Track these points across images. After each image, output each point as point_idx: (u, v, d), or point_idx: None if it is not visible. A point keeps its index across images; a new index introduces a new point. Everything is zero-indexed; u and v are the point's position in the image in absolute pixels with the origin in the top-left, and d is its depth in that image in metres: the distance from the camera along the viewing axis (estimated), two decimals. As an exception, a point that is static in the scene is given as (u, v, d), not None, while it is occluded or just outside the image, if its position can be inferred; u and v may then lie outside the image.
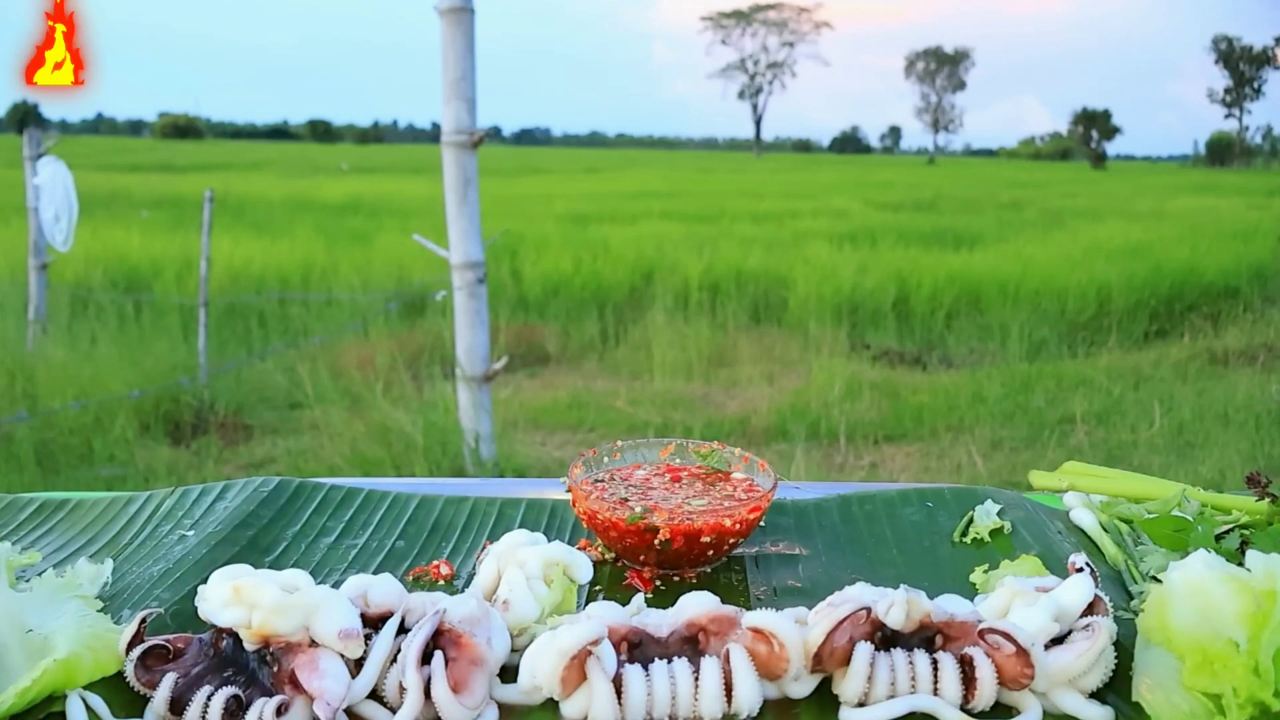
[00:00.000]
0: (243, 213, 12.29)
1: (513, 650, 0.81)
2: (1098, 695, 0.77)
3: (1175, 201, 18.08)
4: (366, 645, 0.76)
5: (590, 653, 0.74)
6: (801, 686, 0.78)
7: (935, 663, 0.77)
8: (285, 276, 8.47)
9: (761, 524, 1.10)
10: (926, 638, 0.78)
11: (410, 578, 1.00)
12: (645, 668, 0.76)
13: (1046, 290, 8.25)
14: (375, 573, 0.89)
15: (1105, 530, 1.07)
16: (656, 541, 0.98)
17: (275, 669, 0.74)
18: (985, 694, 0.75)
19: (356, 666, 0.75)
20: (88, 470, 4.41)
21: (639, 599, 0.87)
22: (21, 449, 4.42)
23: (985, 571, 0.98)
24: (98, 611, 0.82)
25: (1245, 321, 7.83)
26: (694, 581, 1.00)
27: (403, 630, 0.78)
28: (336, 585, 0.83)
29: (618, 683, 0.74)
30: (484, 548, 1.00)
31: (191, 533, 1.07)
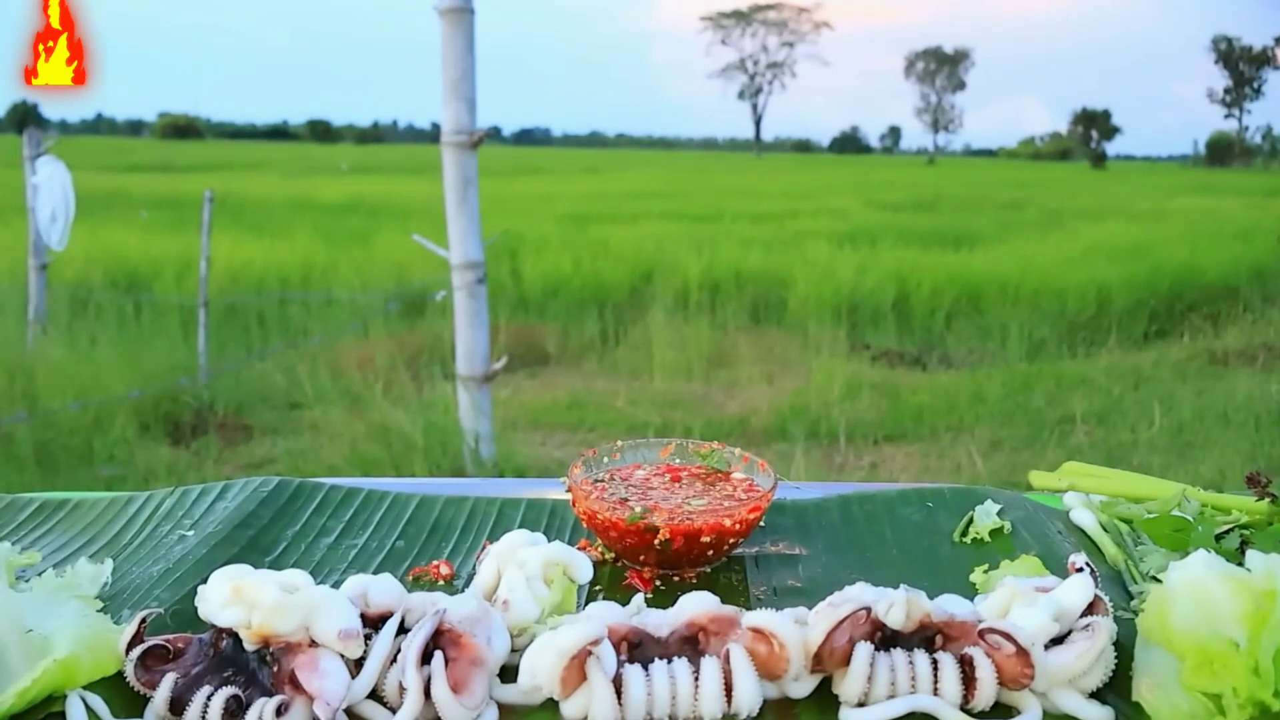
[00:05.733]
0: (243, 213, 12.29)
1: (513, 650, 0.81)
2: (1098, 695, 0.77)
3: (1175, 201, 18.09)
4: (366, 645, 0.76)
5: (590, 653, 0.74)
6: (801, 686, 0.78)
7: (935, 663, 0.77)
8: (285, 276, 8.47)
9: (761, 524, 1.10)
10: (926, 638, 0.78)
11: (410, 578, 1.00)
12: (645, 668, 0.76)
13: (1046, 290, 8.25)
14: (375, 573, 0.89)
15: (1105, 530, 1.07)
16: (656, 541, 0.98)
17: (275, 669, 0.74)
18: (985, 694, 0.75)
19: (356, 666, 0.75)
20: (88, 470, 4.42)
21: (639, 599, 0.87)
22: (21, 449, 4.42)
23: (985, 571, 0.98)
24: (98, 611, 0.82)
25: (1245, 321, 7.83)
26: (694, 581, 1.00)
27: (403, 630, 0.78)
28: (336, 585, 0.83)
29: (618, 683, 0.74)
30: (484, 548, 1.00)
31: (191, 533, 1.07)
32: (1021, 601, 0.82)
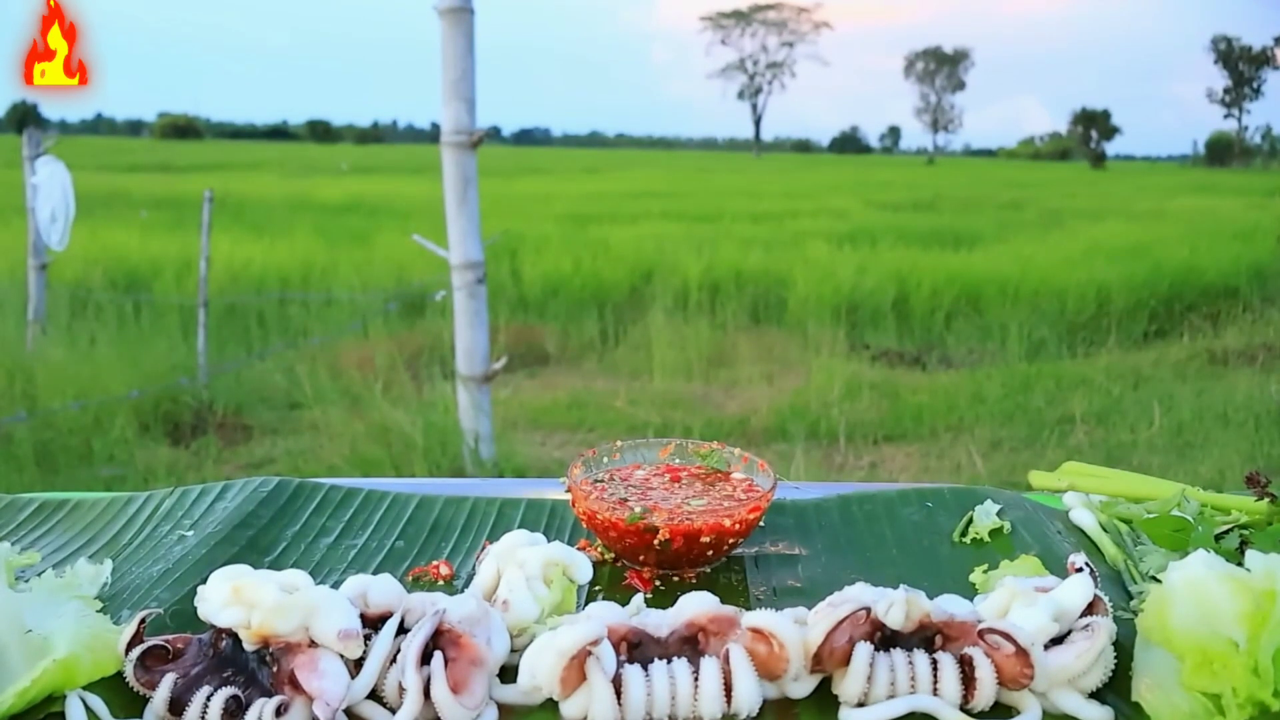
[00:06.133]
0: (242, 213, 12.29)
1: (513, 650, 0.81)
2: (1097, 695, 0.77)
3: (1175, 201, 18.08)
4: (366, 645, 0.76)
5: (590, 653, 0.74)
6: (801, 686, 0.78)
7: (935, 663, 0.77)
8: (285, 276, 8.47)
9: (761, 524, 1.10)
10: (926, 638, 0.78)
11: (410, 578, 1.00)
12: (645, 668, 0.76)
13: (1046, 290, 8.25)
14: (375, 573, 0.89)
15: (1105, 530, 1.07)
16: (656, 541, 0.98)
17: (275, 669, 0.74)
18: (985, 694, 0.75)
19: (356, 667, 0.75)
20: (87, 470, 4.41)
21: (639, 599, 0.87)
22: (21, 449, 4.42)
23: (985, 571, 0.98)
24: (97, 611, 0.82)
25: (1245, 321, 7.84)
26: (694, 581, 1.00)
27: (402, 630, 0.78)
28: (336, 585, 0.83)
29: (617, 683, 0.74)
30: (484, 548, 1.00)
31: (191, 533, 1.07)
32: (1021, 601, 0.82)
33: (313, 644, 0.75)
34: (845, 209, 15.86)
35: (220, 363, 5.99)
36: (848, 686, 0.76)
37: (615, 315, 7.67)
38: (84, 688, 0.74)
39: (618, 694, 0.74)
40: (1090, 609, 0.81)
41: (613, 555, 1.04)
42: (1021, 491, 1.23)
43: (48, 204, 5.34)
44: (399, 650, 0.76)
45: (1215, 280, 8.86)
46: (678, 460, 1.16)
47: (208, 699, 0.73)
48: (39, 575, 0.85)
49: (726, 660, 0.76)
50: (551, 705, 0.76)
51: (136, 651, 0.76)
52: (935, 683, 0.76)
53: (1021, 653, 0.75)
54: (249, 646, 0.75)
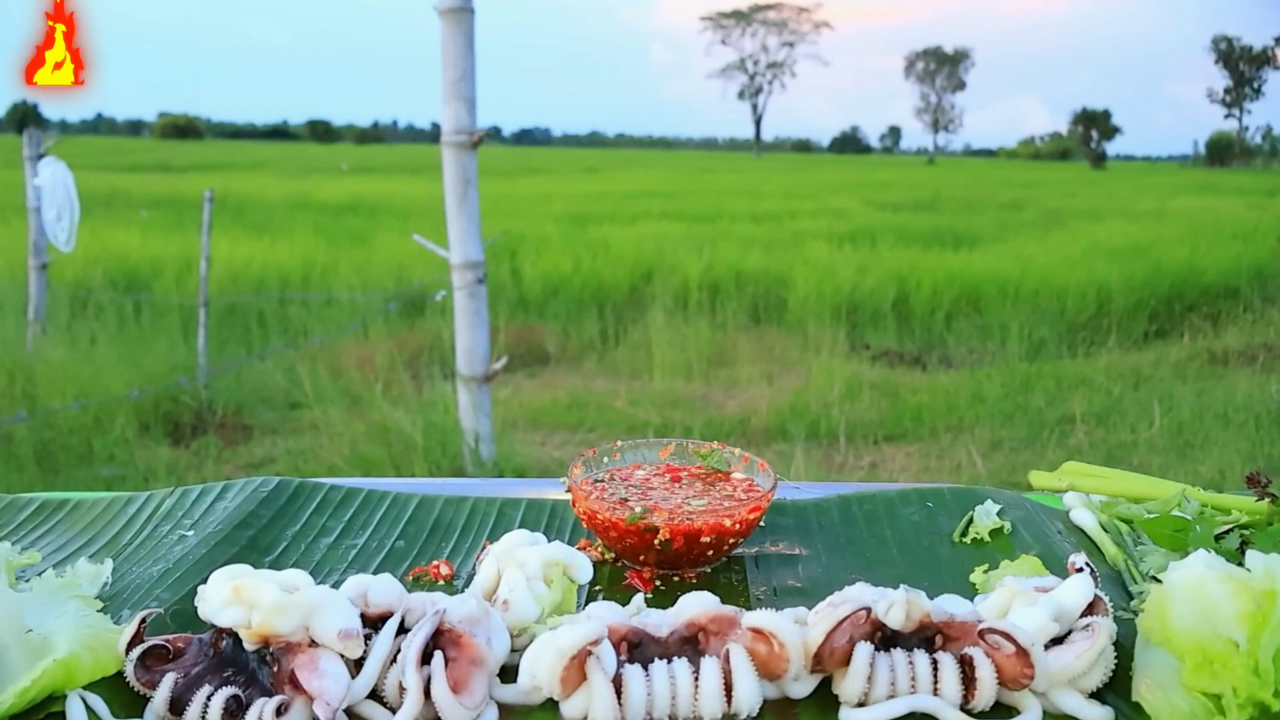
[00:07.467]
0: (242, 213, 12.29)
1: (513, 650, 0.81)
2: (1098, 695, 0.77)
3: (1175, 201, 18.08)
4: (366, 645, 0.76)
5: (590, 653, 0.74)
6: (801, 686, 0.78)
7: (935, 663, 0.77)
8: (285, 276, 8.47)
9: (761, 524, 1.10)
10: (926, 638, 0.78)
11: (410, 578, 1.00)
12: (645, 668, 0.76)
13: (1046, 290, 8.25)
14: (375, 573, 0.89)
15: (1105, 530, 1.07)
16: (656, 541, 0.98)
17: (275, 669, 0.74)
18: (985, 694, 0.75)
19: (356, 666, 0.75)
20: (88, 470, 4.41)
21: (639, 599, 0.87)
22: (21, 449, 4.42)
23: (985, 571, 0.98)
24: (98, 611, 0.82)
25: (1245, 321, 7.83)
26: (694, 581, 1.00)
27: (403, 630, 0.78)
28: (336, 585, 0.83)
29: (617, 683, 0.74)
30: (484, 548, 1.00)
31: (191, 533, 1.07)
32: (1021, 601, 0.82)
33: (313, 644, 0.75)
34: (845, 209, 15.86)
35: (220, 363, 5.98)
36: (848, 686, 0.76)
37: (615, 315, 7.67)
38: (84, 687, 0.74)
39: (618, 694, 0.74)
40: (1090, 609, 0.81)
41: (613, 555, 1.04)
42: (1021, 491, 1.23)
43: (53, 205, 5.34)
44: (399, 650, 0.76)
45: (1215, 280, 8.86)
46: (678, 460, 1.16)
47: (208, 699, 0.73)
48: (39, 575, 0.85)
49: (727, 660, 0.76)
50: (551, 705, 0.76)
51: (137, 651, 0.76)
52: (935, 683, 0.76)
53: (1022, 653, 0.75)
54: (249, 646, 0.75)
